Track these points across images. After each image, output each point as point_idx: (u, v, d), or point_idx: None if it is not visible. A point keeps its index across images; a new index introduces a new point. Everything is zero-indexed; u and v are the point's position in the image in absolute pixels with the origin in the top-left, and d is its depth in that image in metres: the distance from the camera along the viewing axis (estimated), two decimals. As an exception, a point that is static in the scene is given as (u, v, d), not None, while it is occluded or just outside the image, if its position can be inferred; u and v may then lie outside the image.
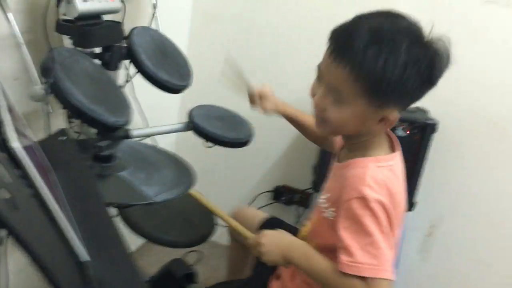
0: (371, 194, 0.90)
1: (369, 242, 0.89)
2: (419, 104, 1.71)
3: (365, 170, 0.94)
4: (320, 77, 0.97)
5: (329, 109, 0.94)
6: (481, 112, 1.72)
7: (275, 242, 1.05)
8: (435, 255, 1.94)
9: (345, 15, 1.74)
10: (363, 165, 0.96)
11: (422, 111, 1.76)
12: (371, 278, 0.88)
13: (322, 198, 1.08)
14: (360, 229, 0.90)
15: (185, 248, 2.17)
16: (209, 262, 2.16)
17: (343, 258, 0.90)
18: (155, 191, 0.84)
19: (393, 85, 0.86)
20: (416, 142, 1.66)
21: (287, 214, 2.07)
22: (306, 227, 1.17)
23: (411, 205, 1.72)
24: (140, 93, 1.52)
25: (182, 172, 1.00)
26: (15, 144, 0.52)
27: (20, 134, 0.70)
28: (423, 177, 1.71)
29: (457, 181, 1.82)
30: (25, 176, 0.53)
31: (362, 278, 0.88)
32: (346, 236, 0.91)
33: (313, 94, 0.99)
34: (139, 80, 1.34)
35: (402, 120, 1.67)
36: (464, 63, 1.68)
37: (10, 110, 0.69)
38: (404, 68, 0.85)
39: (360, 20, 0.91)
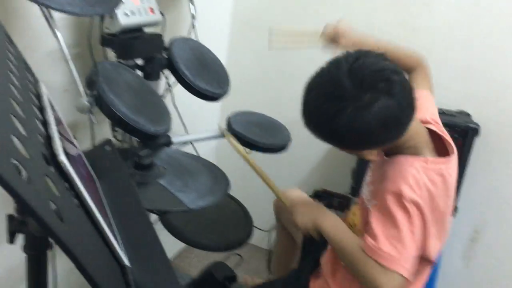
0: (409, 193, 0.91)
1: (395, 235, 0.90)
2: (460, 107, 1.73)
3: (410, 168, 0.94)
4: None
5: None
6: (527, 115, 1.67)
7: (308, 205, 1.09)
8: (479, 262, 1.89)
9: (384, 23, 1.75)
10: (410, 163, 0.96)
11: (464, 114, 1.72)
12: (387, 267, 0.89)
13: (367, 190, 1.10)
14: (390, 221, 0.91)
15: (225, 252, 2.22)
16: (248, 266, 2.19)
17: (368, 240, 0.92)
18: (190, 198, 0.87)
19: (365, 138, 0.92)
20: (457, 147, 1.62)
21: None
22: (356, 217, 1.16)
23: (453, 210, 1.69)
24: (180, 101, 1.57)
25: (218, 179, 1.03)
26: (62, 158, 0.56)
27: (67, 144, 0.75)
28: (466, 182, 1.68)
29: (501, 186, 1.77)
30: (71, 188, 0.57)
31: (380, 265, 0.90)
32: (376, 224, 0.93)
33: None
34: (179, 89, 1.38)
35: (443, 124, 1.64)
36: (507, 66, 1.65)
37: (58, 123, 0.74)
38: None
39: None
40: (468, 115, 1.72)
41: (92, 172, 0.86)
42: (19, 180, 0.40)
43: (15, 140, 0.46)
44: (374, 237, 0.92)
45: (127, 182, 0.83)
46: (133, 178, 0.93)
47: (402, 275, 0.90)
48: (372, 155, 0.99)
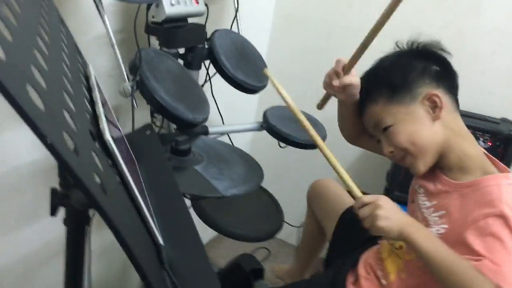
0: (511, 213, 0.86)
1: (509, 260, 0.84)
2: (504, 115, 1.68)
3: (500, 188, 0.90)
4: (374, 135, 1.09)
5: (395, 141, 1.00)
6: None
7: (395, 210, 0.92)
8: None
9: (429, 25, 1.72)
10: (496, 182, 0.92)
11: (508, 122, 1.68)
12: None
13: (433, 215, 1.01)
14: (500, 246, 0.85)
15: (254, 244, 2.24)
16: (276, 260, 2.20)
17: (488, 264, 0.83)
18: (224, 185, 0.89)
19: (398, 77, 1.00)
20: (498, 154, 1.59)
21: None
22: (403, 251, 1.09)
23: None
24: (219, 92, 1.59)
25: (252, 169, 1.04)
26: (108, 137, 0.58)
27: (111, 126, 0.77)
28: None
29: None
30: (114, 165, 0.59)
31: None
32: (485, 253, 0.85)
33: (387, 154, 1.05)
34: (219, 80, 1.40)
35: (484, 131, 1.60)
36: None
37: (104, 104, 0.77)
38: (395, 62, 1.05)
39: None
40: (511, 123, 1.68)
41: (132, 155, 0.88)
42: (68, 150, 0.42)
43: (66, 114, 0.48)
44: (493, 263, 0.84)
45: (164, 166, 0.85)
46: (170, 163, 0.95)
47: None
48: (433, 92, 0.99)
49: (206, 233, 2.26)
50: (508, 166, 1.58)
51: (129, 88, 1.03)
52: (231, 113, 1.70)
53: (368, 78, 1.08)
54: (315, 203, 1.51)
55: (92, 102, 0.70)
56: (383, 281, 1.08)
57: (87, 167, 0.46)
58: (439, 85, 1.00)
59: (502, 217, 0.86)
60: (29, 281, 1.25)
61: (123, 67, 1.08)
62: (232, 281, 1.75)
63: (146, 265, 0.54)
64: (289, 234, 2.29)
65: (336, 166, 1.03)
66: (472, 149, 0.99)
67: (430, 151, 1.00)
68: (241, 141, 1.93)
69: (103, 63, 1.22)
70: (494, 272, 0.82)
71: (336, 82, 1.07)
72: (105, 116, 0.70)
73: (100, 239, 1.52)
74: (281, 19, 2.07)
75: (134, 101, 1.05)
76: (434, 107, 0.98)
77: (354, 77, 1.07)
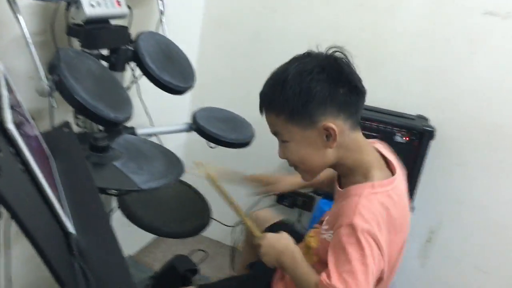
0: (360, 223, 0.93)
1: (347, 270, 0.92)
2: (420, 111, 1.80)
3: (359, 198, 0.97)
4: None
5: (285, 153, 1.07)
6: (481, 120, 1.75)
7: (272, 244, 1.11)
8: (434, 261, 1.96)
9: (348, 27, 1.79)
10: (359, 192, 0.99)
11: (422, 118, 1.80)
12: None
13: (325, 221, 1.12)
14: (343, 256, 0.93)
15: (190, 246, 2.25)
16: (213, 262, 2.22)
17: (324, 277, 0.94)
18: (143, 179, 0.91)
19: (300, 101, 0.98)
20: (414, 148, 1.70)
21: (290, 217, 2.11)
22: (313, 239, 1.20)
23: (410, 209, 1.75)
24: (148, 96, 1.60)
25: (172, 164, 1.06)
26: (9, 125, 0.59)
27: (26, 123, 0.78)
28: (422, 183, 1.75)
29: (456, 188, 1.85)
30: (18, 154, 0.60)
31: None
32: (330, 259, 0.95)
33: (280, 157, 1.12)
34: (147, 84, 1.41)
35: (401, 127, 1.71)
36: (464, 72, 1.74)
37: (17, 105, 0.77)
38: (298, 83, 0.99)
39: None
40: (426, 119, 1.80)
41: (48, 152, 0.89)
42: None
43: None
44: (328, 275, 0.93)
45: (81, 161, 0.86)
46: (88, 160, 0.96)
47: None
48: (332, 124, 0.99)
49: (141, 239, 2.25)
50: (422, 159, 1.71)
51: (47, 87, 1.03)
52: (162, 115, 1.71)
53: (274, 87, 1.03)
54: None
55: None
56: None
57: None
58: (340, 113, 1.00)
59: (351, 226, 0.93)
60: None
61: (40, 66, 1.07)
62: (167, 283, 1.75)
63: (48, 249, 0.56)
64: (225, 235, 2.32)
65: (242, 215, 1.25)
66: (364, 158, 1.05)
67: (319, 170, 1.10)
68: (175, 144, 1.94)
69: (23, 64, 1.21)
70: (325, 286, 0.93)
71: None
72: (20, 115, 0.70)
73: (28, 245, 1.49)
74: (210, 21, 2.11)
75: (52, 101, 1.05)
76: (329, 136, 1.00)
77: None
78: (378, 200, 0.97)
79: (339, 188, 1.10)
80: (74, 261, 0.63)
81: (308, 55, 1.04)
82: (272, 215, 1.61)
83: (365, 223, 0.92)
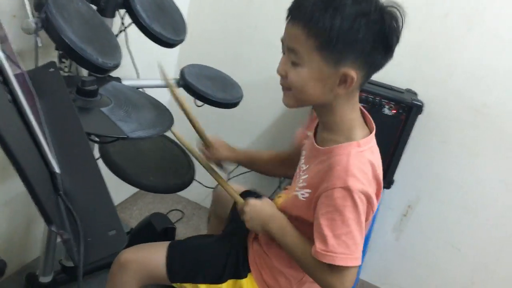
0: (356, 184, 0.91)
1: (346, 232, 0.92)
2: (410, 86, 1.80)
3: (349, 158, 0.95)
4: (283, 49, 0.99)
5: (289, 72, 0.97)
6: (468, 99, 1.75)
7: (257, 211, 1.10)
8: (408, 235, 2.00)
9: None
10: (347, 152, 0.96)
11: (411, 92, 1.79)
12: (343, 266, 0.92)
13: (302, 178, 1.08)
14: (339, 219, 0.92)
15: (168, 206, 2.24)
16: (189, 222, 2.21)
17: (319, 246, 0.93)
18: (131, 128, 0.87)
19: (343, 37, 0.89)
20: (401, 121, 1.70)
21: (266, 182, 2.10)
22: (280, 199, 1.19)
23: (389, 183, 1.77)
24: (136, 48, 1.54)
25: (162, 115, 1.03)
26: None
27: (12, 62, 0.73)
28: (404, 158, 1.75)
29: (437, 164, 1.87)
30: (5, 82, 0.56)
31: (333, 265, 0.92)
32: (324, 223, 0.93)
33: (278, 70, 1.01)
34: (136, 34, 1.36)
35: (389, 99, 1.70)
36: (457, 50, 1.73)
37: (3, 40, 0.72)
38: (352, 19, 0.88)
39: None
40: (415, 94, 1.80)
41: (33, 90, 0.84)
42: None
43: None
44: (324, 242, 0.92)
45: (67, 102, 0.82)
46: (75, 104, 0.92)
47: (356, 266, 0.93)
48: (352, 74, 0.93)
49: (119, 193, 2.22)
50: (408, 133, 1.71)
51: (33, 24, 0.98)
52: (148, 69, 1.66)
53: (326, 6, 0.89)
54: (218, 204, 1.54)
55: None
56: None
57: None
58: (365, 69, 0.95)
59: (346, 188, 0.92)
60: None
61: (27, 3, 1.01)
62: (144, 239, 1.73)
63: (37, 184, 0.53)
64: (204, 197, 2.31)
65: (220, 181, 1.26)
66: (351, 115, 1.02)
67: (307, 104, 1.02)
68: (160, 100, 1.90)
69: (7, 2, 1.14)
70: (324, 255, 0.93)
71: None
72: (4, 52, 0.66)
73: (4, 191, 1.45)
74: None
75: (37, 39, 1.00)
76: (342, 83, 0.95)
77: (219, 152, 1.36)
78: (366, 158, 0.97)
79: (318, 146, 1.06)
80: (60, 201, 0.60)
81: None
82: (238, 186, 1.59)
83: (360, 183, 0.92)
